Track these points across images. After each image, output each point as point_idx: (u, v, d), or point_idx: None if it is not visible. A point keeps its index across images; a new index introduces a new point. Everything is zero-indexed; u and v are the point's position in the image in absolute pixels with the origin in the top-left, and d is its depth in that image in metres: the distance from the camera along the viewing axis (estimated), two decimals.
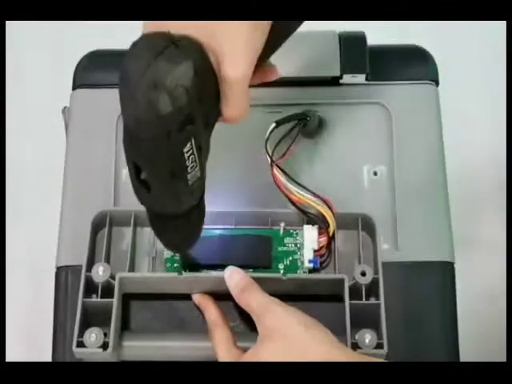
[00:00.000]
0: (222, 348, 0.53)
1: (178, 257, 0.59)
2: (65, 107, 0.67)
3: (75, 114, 0.66)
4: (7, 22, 0.92)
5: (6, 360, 0.80)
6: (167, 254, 0.60)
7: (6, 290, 0.87)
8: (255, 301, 0.52)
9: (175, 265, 0.59)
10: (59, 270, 0.61)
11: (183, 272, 0.56)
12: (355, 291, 0.55)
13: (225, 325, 0.55)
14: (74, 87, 0.67)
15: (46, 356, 0.59)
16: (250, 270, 0.58)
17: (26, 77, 0.99)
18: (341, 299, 0.56)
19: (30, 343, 0.88)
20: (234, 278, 0.54)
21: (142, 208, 0.49)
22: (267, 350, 0.48)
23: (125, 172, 0.63)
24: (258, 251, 0.59)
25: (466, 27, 1.02)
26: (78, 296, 0.55)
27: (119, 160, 0.64)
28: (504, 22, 1.02)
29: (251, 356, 0.49)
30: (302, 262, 0.59)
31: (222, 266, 0.56)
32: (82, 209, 0.62)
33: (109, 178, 0.63)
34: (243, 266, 0.56)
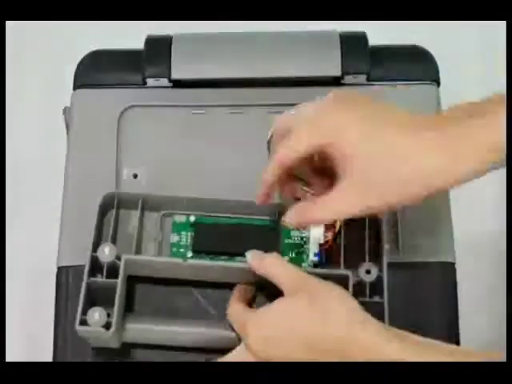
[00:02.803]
0: (231, 303, 0.55)
1: (183, 242, 0.59)
2: (66, 107, 0.67)
3: (76, 114, 0.66)
4: (7, 22, 0.92)
5: (6, 360, 0.80)
6: (173, 238, 0.60)
7: (6, 290, 0.87)
8: (282, 267, 0.53)
9: (181, 250, 0.60)
10: (59, 270, 0.61)
11: (188, 258, 0.56)
12: (359, 288, 0.55)
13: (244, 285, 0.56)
14: (75, 87, 0.67)
15: (46, 356, 0.59)
16: None
17: (26, 77, 0.99)
18: None
19: (30, 343, 0.87)
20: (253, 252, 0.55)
21: (150, 192, 0.48)
22: (290, 304, 0.50)
23: (125, 172, 0.63)
24: (263, 243, 0.59)
25: (466, 27, 1.01)
26: (83, 275, 0.55)
27: (120, 160, 0.64)
28: (504, 22, 1.01)
29: (267, 311, 0.51)
30: (308, 256, 0.59)
31: (227, 255, 0.57)
32: (82, 209, 0.62)
33: (110, 178, 0.63)
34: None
